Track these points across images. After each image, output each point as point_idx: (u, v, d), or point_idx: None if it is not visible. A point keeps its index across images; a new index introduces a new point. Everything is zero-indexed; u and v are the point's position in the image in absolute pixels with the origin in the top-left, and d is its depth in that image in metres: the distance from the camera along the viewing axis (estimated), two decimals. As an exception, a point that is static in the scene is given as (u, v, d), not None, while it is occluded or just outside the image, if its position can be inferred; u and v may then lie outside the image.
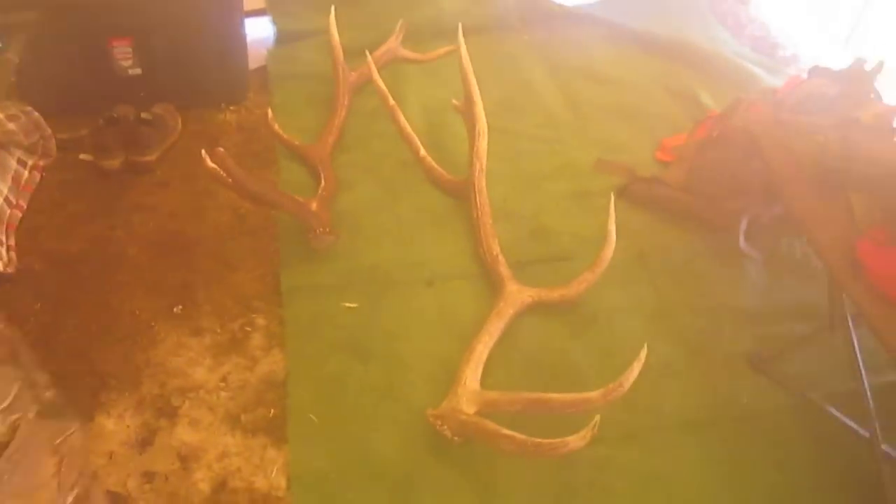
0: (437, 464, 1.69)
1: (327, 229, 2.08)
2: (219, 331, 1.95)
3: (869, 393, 1.58)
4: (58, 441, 1.03)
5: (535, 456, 1.50)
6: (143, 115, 2.37)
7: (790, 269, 2.21)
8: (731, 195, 2.16)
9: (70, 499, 1.02)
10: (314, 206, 2.15)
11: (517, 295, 1.96)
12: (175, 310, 1.99)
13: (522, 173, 2.46)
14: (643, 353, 1.58)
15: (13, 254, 1.78)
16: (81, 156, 2.29)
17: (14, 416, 0.92)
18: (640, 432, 1.76)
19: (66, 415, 1.09)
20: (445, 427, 1.64)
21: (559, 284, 2.01)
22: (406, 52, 2.85)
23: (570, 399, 1.58)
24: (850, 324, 1.64)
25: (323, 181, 2.27)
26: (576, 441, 1.45)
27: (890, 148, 1.71)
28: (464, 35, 2.30)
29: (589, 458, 1.68)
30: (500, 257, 2.06)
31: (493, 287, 2.05)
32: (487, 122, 2.28)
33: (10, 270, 1.65)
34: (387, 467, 1.68)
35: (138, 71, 2.47)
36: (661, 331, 2.01)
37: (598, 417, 1.46)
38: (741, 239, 2.19)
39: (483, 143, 2.19)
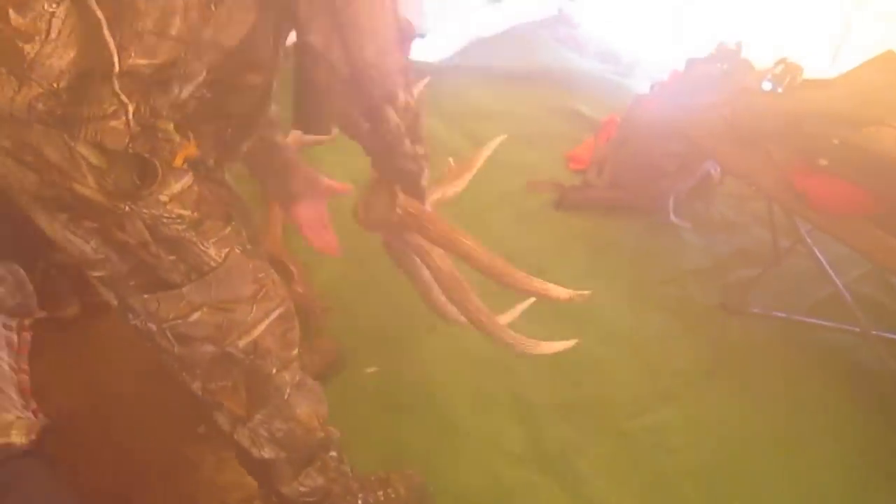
0: (528, 476, 1.82)
1: (322, 306, 2.15)
2: (253, 434, 1.94)
3: (845, 292, 1.90)
4: (261, 275, 1.30)
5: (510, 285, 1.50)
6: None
7: (714, 228, 2.56)
8: (654, 179, 2.48)
9: (269, 321, 1.31)
10: (301, 289, 2.20)
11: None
12: (199, 430, 1.96)
13: (465, 211, 2.65)
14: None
15: (41, 415, 1.70)
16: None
17: (225, 250, 1.21)
18: (672, 393, 1.98)
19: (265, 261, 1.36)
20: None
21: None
22: (310, 137, 2.95)
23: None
24: (809, 242, 1.97)
25: (293, 268, 2.32)
26: (557, 291, 1.48)
27: (784, 103, 2.08)
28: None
29: (644, 427, 1.89)
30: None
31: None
32: None
33: (33, 437, 1.59)
34: (480, 496, 1.78)
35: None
36: (646, 306, 2.26)
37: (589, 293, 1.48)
38: (671, 214, 2.51)
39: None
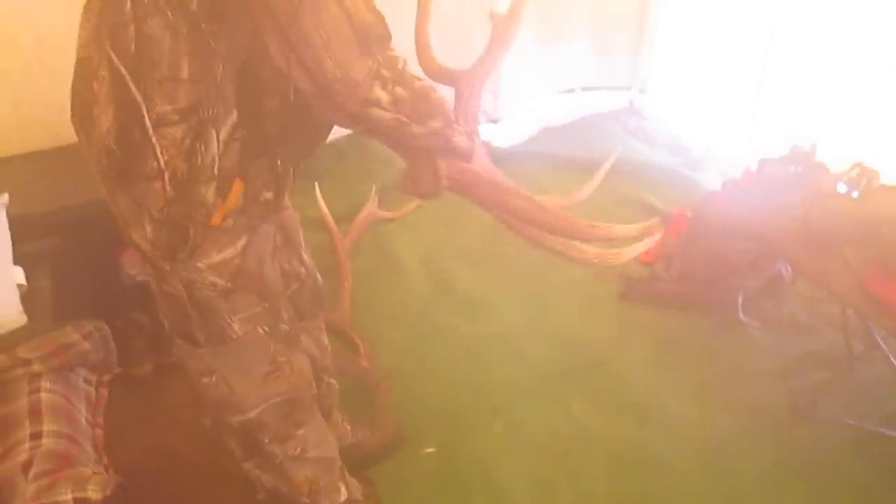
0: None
1: (386, 382, 2.18)
2: (308, 505, 1.95)
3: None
4: (281, 358, 1.40)
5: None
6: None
7: (785, 328, 2.51)
8: (724, 276, 2.47)
9: (268, 404, 1.41)
10: (365, 364, 2.25)
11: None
12: (258, 497, 1.98)
13: (532, 292, 2.69)
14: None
15: (111, 471, 1.75)
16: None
17: (249, 326, 1.32)
18: (734, 496, 1.94)
19: (297, 347, 1.48)
20: None
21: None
22: (384, 213, 3.06)
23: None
24: (885, 348, 1.92)
25: (359, 342, 2.37)
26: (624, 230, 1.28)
27: (861, 207, 2.07)
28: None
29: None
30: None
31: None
32: (483, 258, 2.58)
33: (107, 493, 1.64)
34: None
35: (146, 277, 2.52)
36: (711, 405, 2.21)
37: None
38: (740, 312, 2.48)
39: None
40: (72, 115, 1.25)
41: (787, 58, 3.37)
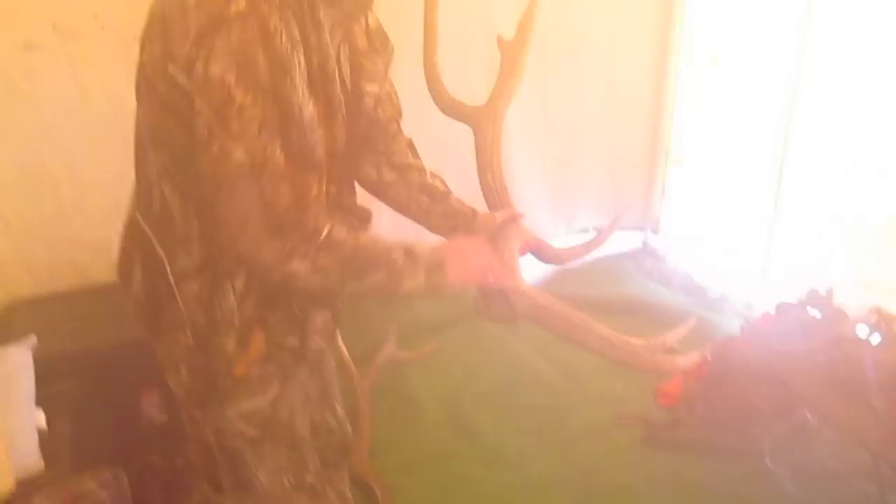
0: None
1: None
2: None
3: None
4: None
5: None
6: (178, 461, 2.37)
7: (814, 477, 2.43)
8: (749, 422, 2.42)
9: None
10: (382, 514, 2.19)
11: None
12: None
13: (553, 438, 2.64)
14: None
15: None
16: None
17: (273, 477, 1.36)
18: None
19: (321, 499, 1.46)
20: None
21: None
22: (402, 354, 3.06)
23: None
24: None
25: (377, 490, 2.32)
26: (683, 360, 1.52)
27: (885, 354, 2.06)
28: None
29: None
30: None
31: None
32: (502, 401, 2.66)
33: None
34: None
35: (164, 418, 2.51)
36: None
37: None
38: (767, 459, 2.42)
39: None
40: (117, 270, 1.31)
41: (799, 197, 3.45)
